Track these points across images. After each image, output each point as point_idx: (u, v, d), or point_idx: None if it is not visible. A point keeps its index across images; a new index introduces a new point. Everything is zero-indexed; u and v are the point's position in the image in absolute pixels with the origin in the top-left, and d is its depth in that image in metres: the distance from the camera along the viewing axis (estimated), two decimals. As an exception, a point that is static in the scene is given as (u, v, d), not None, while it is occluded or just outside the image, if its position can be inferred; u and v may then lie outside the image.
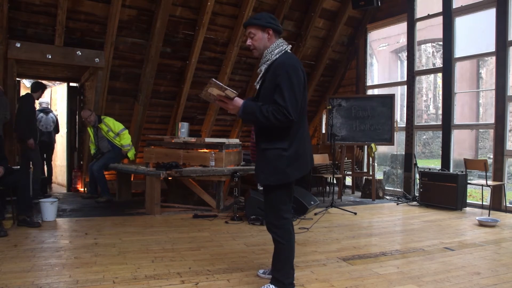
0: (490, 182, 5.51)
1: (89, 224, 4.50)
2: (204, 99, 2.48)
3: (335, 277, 2.92)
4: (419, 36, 7.44)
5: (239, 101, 2.37)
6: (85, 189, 6.82)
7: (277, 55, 2.42)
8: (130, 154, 6.36)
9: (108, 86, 6.40)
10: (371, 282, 2.85)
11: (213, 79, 2.31)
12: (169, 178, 5.53)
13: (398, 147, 8.06)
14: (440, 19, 6.66)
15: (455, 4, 6.49)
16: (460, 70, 9.29)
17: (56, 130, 7.14)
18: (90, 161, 6.50)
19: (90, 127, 6.26)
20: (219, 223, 4.75)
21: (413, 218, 5.33)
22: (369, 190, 7.00)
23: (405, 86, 7.36)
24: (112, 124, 6.17)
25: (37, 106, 6.50)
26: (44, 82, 7.69)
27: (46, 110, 7.01)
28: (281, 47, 2.45)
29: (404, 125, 7.31)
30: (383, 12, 7.72)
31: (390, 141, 6.88)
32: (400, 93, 9.18)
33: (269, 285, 2.57)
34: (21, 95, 6.36)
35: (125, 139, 6.24)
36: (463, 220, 5.19)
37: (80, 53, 5.85)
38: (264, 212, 2.59)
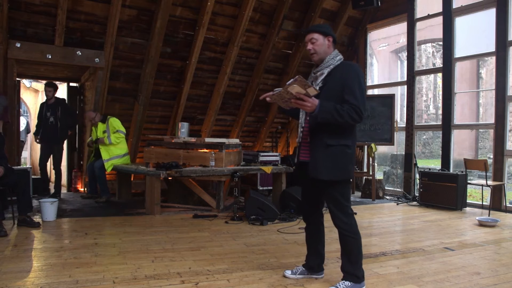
0: (490, 182, 5.50)
1: (89, 224, 4.50)
2: (270, 101, 2.59)
3: (335, 277, 2.91)
4: (419, 36, 7.44)
5: (316, 100, 2.45)
6: (85, 189, 6.82)
7: (339, 62, 2.63)
8: (108, 165, 5.95)
9: (108, 86, 6.39)
10: (371, 282, 2.85)
11: (300, 76, 2.35)
12: (169, 178, 5.54)
13: (398, 147, 8.06)
14: (440, 19, 6.66)
15: (455, 4, 6.49)
16: (460, 70, 9.29)
17: (28, 130, 8.05)
18: (89, 161, 6.50)
19: (94, 126, 6.23)
20: (219, 223, 4.75)
21: (413, 218, 5.33)
22: (369, 190, 7.00)
23: (405, 86, 7.36)
24: (115, 125, 6.02)
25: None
26: (44, 82, 7.71)
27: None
28: (340, 56, 2.66)
29: (404, 125, 7.30)
30: (383, 12, 7.72)
31: (390, 141, 6.88)
32: (400, 93, 9.18)
33: (344, 282, 2.62)
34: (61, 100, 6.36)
35: (116, 138, 5.94)
36: (463, 220, 5.19)
37: (80, 53, 5.85)
38: (330, 213, 2.66)
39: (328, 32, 2.64)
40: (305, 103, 2.44)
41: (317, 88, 2.57)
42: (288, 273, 2.93)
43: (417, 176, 6.55)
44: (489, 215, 5.30)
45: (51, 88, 6.18)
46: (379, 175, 8.42)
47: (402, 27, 7.46)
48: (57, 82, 7.88)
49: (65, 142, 6.59)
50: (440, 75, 7.59)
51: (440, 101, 7.42)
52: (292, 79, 2.36)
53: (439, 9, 6.66)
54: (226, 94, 7.49)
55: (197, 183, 5.67)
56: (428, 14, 7.02)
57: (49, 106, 6.18)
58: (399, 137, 7.76)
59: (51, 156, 6.28)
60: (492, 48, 6.05)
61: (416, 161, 6.82)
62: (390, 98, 6.92)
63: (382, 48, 12.86)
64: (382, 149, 10.06)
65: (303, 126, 2.70)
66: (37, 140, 6.27)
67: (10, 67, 5.57)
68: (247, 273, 2.99)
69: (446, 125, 6.55)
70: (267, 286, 2.75)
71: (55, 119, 6.14)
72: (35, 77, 7.07)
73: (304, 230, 2.96)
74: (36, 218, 4.58)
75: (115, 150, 6.05)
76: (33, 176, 6.11)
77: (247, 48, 7.34)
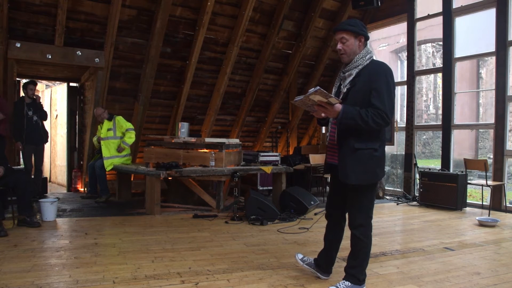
0: (490, 182, 5.50)
1: (89, 224, 4.51)
2: (293, 104, 2.58)
3: (335, 277, 2.91)
4: (419, 36, 7.44)
5: (339, 106, 2.41)
6: (85, 189, 6.81)
7: (368, 61, 2.52)
8: (107, 164, 5.97)
9: (108, 86, 6.39)
10: (371, 282, 2.85)
11: (320, 88, 2.33)
12: (169, 178, 5.53)
13: (398, 147, 8.05)
14: (440, 19, 6.66)
15: (455, 4, 6.49)
16: (460, 70, 9.26)
17: None
18: (90, 160, 6.50)
19: (100, 124, 6.24)
20: (219, 223, 4.75)
21: (413, 218, 5.33)
22: (369, 190, 6.97)
23: (405, 86, 7.37)
24: (122, 123, 6.08)
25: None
26: (44, 82, 7.70)
27: None
28: (370, 54, 2.54)
29: (404, 125, 7.30)
30: (383, 12, 7.72)
31: (390, 141, 6.87)
32: (400, 93, 9.17)
33: (344, 281, 2.63)
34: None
35: (129, 138, 6.07)
36: (463, 220, 5.19)
37: (80, 53, 5.85)
38: (348, 213, 2.65)
39: (360, 32, 2.50)
40: (326, 110, 2.41)
41: (345, 90, 2.54)
42: (299, 256, 2.98)
43: (417, 176, 6.55)
44: (489, 215, 5.30)
45: (34, 86, 5.83)
46: (379, 175, 8.38)
47: (402, 27, 7.47)
48: (57, 82, 7.90)
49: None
50: (440, 75, 7.59)
51: (440, 101, 7.41)
52: (312, 89, 2.33)
53: (439, 9, 6.66)
54: (226, 94, 7.49)
55: (197, 183, 5.67)
56: (428, 14, 7.02)
57: (29, 105, 5.73)
58: (399, 137, 7.76)
59: (33, 157, 5.87)
60: (492, 48, 6.04)
61: (416, 161, 6.82)
62: (390, 98, 6.90)
63: (382, 48, 12.85)
64: (382, 149, 10.02)
65: (331, 126, 2.64)
66: (22, 143, 5.62)
67: (10, 67, 5.57)
68: (247, 273, 2.99)
69: (446, 125, 6.55)
70: (267, 286, 2.75)
71: (38, 117, 5.79)
72: (35, 77, 7.05)
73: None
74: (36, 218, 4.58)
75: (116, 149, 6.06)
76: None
77: (247, 48, 7.34)
